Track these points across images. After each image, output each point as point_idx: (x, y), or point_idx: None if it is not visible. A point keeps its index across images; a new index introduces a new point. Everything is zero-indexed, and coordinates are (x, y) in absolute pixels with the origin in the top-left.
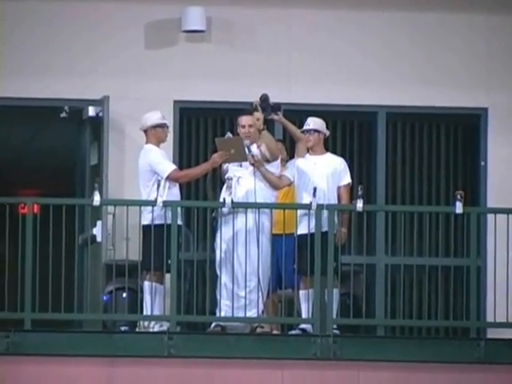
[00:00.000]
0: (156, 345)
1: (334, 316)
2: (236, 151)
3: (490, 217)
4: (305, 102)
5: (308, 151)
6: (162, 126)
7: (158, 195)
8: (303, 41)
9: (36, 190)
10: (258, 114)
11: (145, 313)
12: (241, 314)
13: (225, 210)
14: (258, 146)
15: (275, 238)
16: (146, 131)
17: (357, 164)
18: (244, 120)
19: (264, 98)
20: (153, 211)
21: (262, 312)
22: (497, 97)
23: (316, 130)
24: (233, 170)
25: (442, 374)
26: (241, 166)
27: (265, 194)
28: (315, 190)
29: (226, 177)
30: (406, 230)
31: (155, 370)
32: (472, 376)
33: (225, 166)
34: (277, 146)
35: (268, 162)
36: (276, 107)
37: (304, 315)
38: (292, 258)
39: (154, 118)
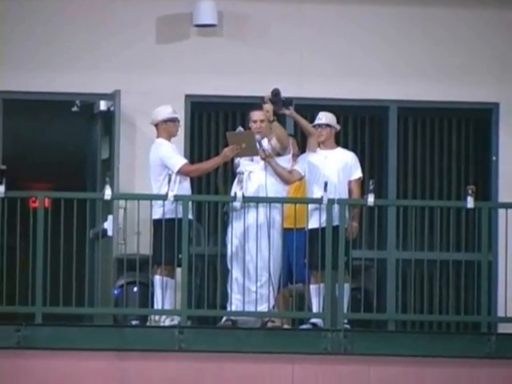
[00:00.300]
0: (167, 339)
1: (345, 310)
2: (247, 145)
3: (502, 212)
4: (316, 97)
5: (319, 146)
6: (173, 120)
7: (169, 189)
8: (315, 36)
9: (47, 184)
10: (268, 106)
11: (155, 307)
12: (252, 309)
13: (236, 204)
14: (269, 141)
15: (286, 233)
16: (157, 125)
17: (368, 159)
18: (256, 115)
19: (275, 93)
20: (164, 205)
21: (273, 306)
22: (508, 91)
23: (328, 125)
24: (244, 164)
25: (452, 368)
26: (252, 160)
27: (276, 189)
28: (326, 184)
29: (237, 171)
30: (417, 225)
31: (166, 364)
32: (483, 371)
33: (237, 160)
34: (287, 137)
35: (279, 154)
36: (287, 102)
37: (315, 310)
38: (303, 253)
39: (165, 112)
